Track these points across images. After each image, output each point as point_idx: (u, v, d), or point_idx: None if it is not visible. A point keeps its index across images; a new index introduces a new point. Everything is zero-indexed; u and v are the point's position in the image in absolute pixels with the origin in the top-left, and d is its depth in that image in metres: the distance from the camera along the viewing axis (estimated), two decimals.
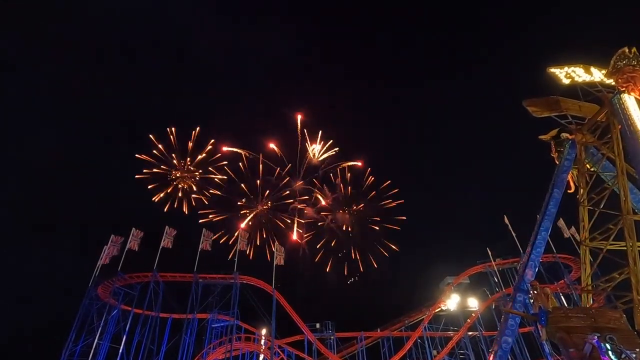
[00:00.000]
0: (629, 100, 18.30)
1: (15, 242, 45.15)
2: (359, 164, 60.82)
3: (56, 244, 45.93)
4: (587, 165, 20.63)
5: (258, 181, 57.60)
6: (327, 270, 58.68)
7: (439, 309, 40.25)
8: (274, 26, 61.33)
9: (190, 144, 55.10)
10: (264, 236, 56.98)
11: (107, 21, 53.54)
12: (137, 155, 52.96)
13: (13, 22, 47.32)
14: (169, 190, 54.47)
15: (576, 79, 20.29)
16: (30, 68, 50.18)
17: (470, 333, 38.90)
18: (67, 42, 51.40)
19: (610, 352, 9.32)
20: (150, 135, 53.79)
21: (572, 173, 20.67)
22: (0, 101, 48.53)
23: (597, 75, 20.12)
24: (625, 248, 16.33)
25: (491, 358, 15.44)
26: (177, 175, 55.09)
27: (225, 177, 56.36)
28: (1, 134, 47.25)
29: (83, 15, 51.74)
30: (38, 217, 47.28)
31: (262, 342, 36.45)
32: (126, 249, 32.17)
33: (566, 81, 20.42)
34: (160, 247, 33.00)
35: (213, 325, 32.99)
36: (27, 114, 50.85)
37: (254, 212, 57.58)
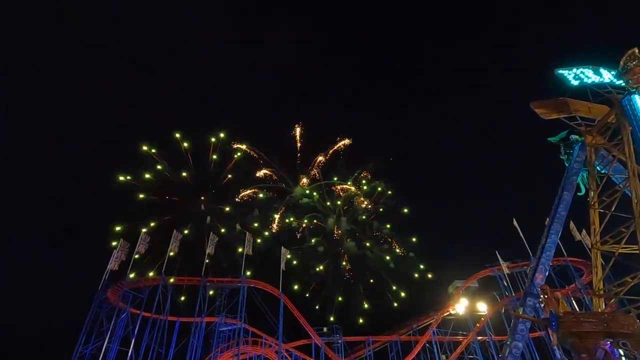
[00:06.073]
0: (639, 101, 18.07)
1: (26, 244, 45.79)
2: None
3: (67, 248, 46.52)
4: (598, 168, 20.35)
5: None
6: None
7: (448, 313, 39.84)
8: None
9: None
10: None
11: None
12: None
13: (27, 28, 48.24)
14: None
15: (585, 80, 20.02)
16: (53, 79, 51.10)
17: (479, 337, 38.41)
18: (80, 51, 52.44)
19: (623, 358, 9.15)
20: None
21: (582, 175, 20.42)
22: (23, 111, 49.66)
23: (607, 76, 19.85)
24: (637, 252, 16.09)
25: None
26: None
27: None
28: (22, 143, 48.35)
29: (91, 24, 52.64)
30: (53, 221, 47.87)
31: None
32: (135, 252, 32.48)
33: (575, 82, 20.15)
34: (169, 251, 33.23)
35: (220, 329, 33.05)
36: (48, 122, 51.70)
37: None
